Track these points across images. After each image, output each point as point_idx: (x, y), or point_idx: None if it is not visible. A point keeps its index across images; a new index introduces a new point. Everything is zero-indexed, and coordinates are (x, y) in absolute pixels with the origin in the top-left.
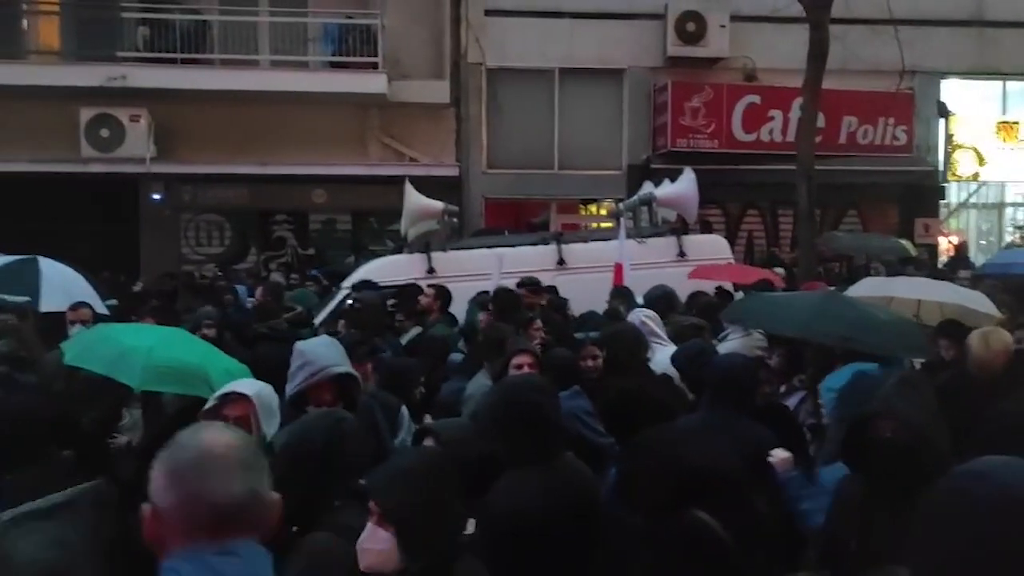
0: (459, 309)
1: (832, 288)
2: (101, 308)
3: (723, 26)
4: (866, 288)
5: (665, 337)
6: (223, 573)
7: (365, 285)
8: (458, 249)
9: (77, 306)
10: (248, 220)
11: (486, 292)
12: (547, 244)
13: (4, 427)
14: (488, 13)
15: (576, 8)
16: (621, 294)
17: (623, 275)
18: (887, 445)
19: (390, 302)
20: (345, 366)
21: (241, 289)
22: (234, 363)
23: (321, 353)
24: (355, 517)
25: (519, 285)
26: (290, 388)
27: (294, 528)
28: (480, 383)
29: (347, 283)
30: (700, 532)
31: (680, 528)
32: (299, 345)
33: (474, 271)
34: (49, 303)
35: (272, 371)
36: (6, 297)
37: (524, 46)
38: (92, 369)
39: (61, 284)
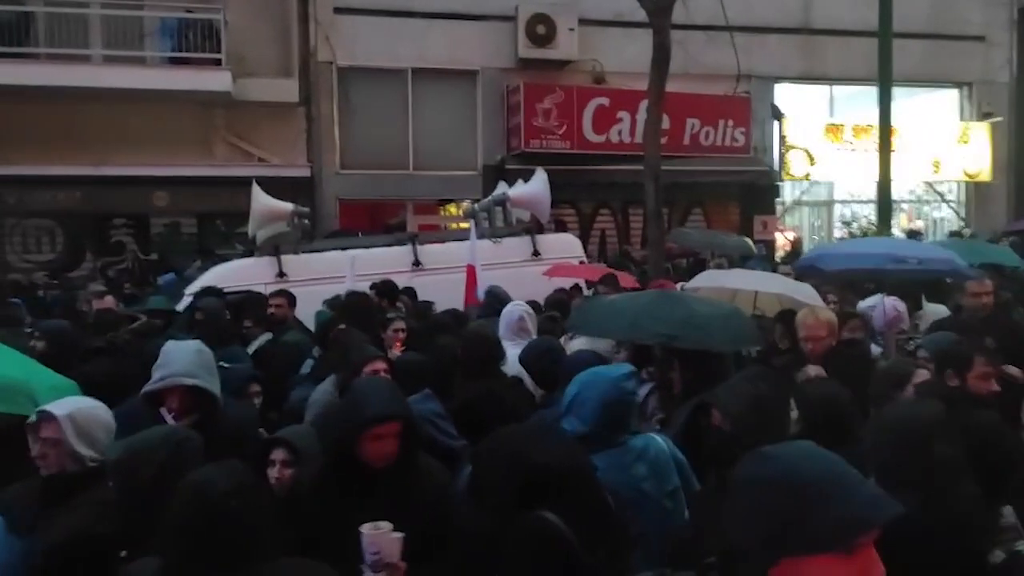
0: (311, 313)
1: (677, 285)
2: None
3: (572, 29)
4: (704, 280)
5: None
6: None
7: (208, 292)
8: (310, 252)
9: None
10: (83, 224)
11: (338, 296)
12: (402, 245)
13: None
14: (337, 11)
15: (427, 8)
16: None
17: (475, 276)
18: (714, 433)
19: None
20: (199, 379)
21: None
22: (62, 379)
23: (178, 360)
24: None
25: (373, 290)
26: (145, 387)
27: (123, 553)
28: (324, 390)
29: (191, 289)
30: (545, 531)
31: (526, 528)
32: (167, 344)
33: (327, 274)
34: None
35: (104, 387)
36: None
37: (376, 45)
38: None
39: None
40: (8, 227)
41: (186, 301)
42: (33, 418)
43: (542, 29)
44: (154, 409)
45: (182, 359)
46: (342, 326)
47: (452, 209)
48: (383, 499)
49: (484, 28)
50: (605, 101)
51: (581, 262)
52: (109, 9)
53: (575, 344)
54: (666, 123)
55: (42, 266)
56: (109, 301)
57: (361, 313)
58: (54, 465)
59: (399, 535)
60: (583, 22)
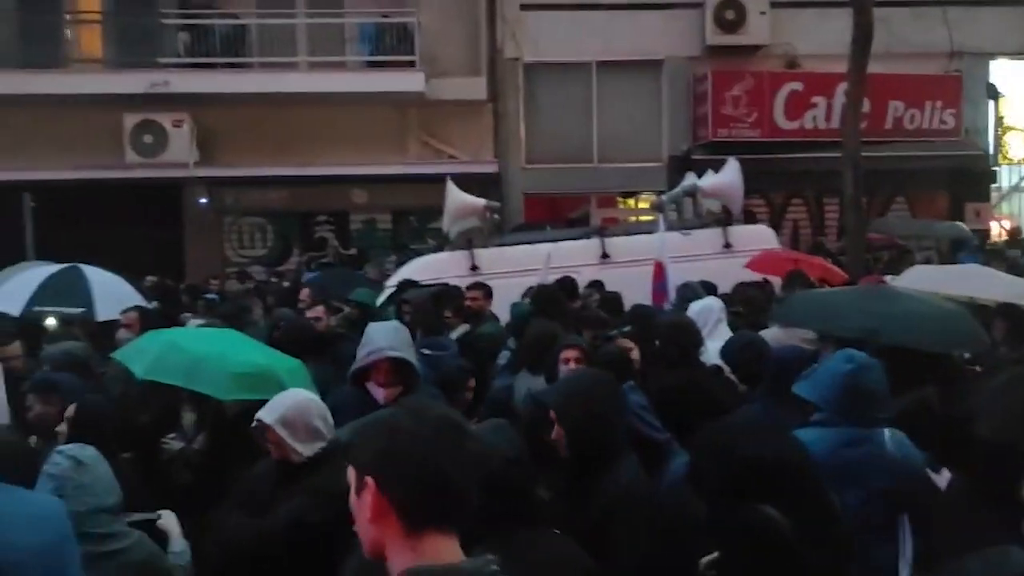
0: (503, 306)
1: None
2: None
3: (763, 13)
4: (911, 280)
5: (726, 328)
6: None
7: (408, 284)
8: (501, 246)
9: (126, 311)
10: (290, 222)
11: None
12: (589, 238)
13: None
14: (524, 8)
15: (612, 0)
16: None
17: (663, 270)
18: (985, 443)
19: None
20: (402, 351)
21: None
22: (294, 361)
23: (382, 335)
24: None
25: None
26: (354, 364)
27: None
28: (525, 382)
29: (390, 282)
30: (762, 525)
31: (743, 522)
32: (369, 326)
33: (518, 267)
34: (104, 312)
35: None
36: (63, 309)
37: (560, 40)
38: (171, 382)
39: (111, 291)
40: (227, 225)
41: (386, 293)
42: (255, 424)
43: (731, 15)
44: (362, 387)
45: (385, 335)
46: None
47: (632, 202)
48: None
49: (670, 17)
50: (799, 86)
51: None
52: (314, 18)
53: (767, 336)
54: (866, 106)
55: (255, 261)
56: (319, 310)
57: (554, 305)
58: (283, 455)
59: None
60: (774, 5)
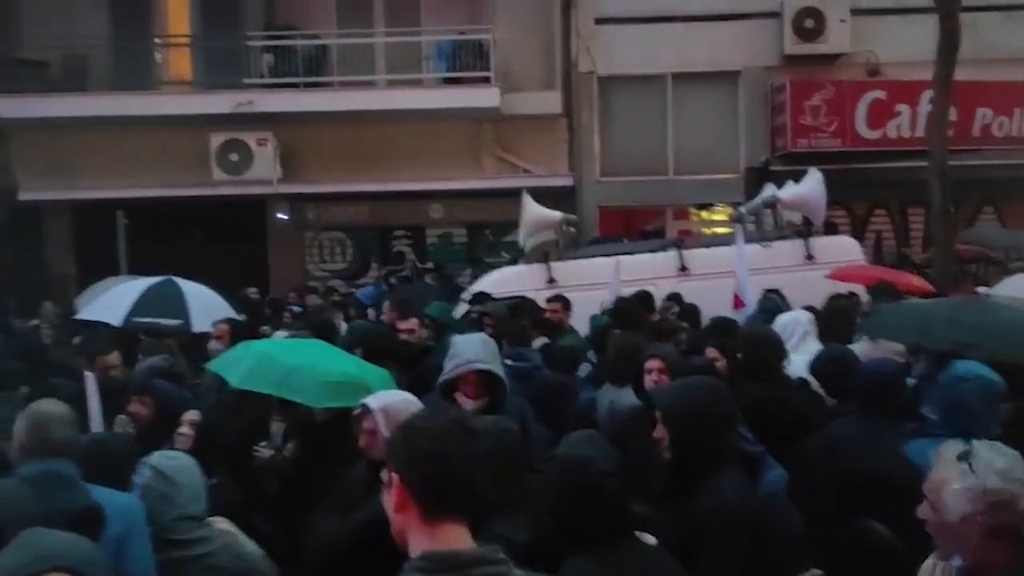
0: (579, 319)
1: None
2: None
3: (843, 21)
4: (1011, 288)
5: (816, 340)
6: None
7: (481, 297)
8: (577, 258)
9: (217, 323)
10: (368, 236)
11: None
12: (667, 251)
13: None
14: (598, 21)
15: (688, 11)
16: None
17: (741, 284)
18: None
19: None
20: (490, 364)
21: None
22: (382, 371)
23: (469, 347)
24: (512, 529)
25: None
26: (441, 376)
27: None
28: (608, 395)
29: (465, 295)
30: (869, 540)
31: (848, 536)
32: (455, 338)
33: (595, 280)
34: (199, 323)
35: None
36: (161, 321)
37: (635, 53)
38: (264, 391)
39: (204, 304)
40: (308, 239)
41: (461, 307)
42: (357, 409)
43: (810, 23)
44: (450, 399)
45: (472, 348)
46: (616, 331)
47: (705, 214)
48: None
49: (747, 27)
50: (881, 94)
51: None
52: (392, 37)
53: (856, 349)
54: (952, 114)
55: (335, 274)
56: (413, 323)
57: (634, 317)
58: (375, 452)
59: None
60: (855, 12)
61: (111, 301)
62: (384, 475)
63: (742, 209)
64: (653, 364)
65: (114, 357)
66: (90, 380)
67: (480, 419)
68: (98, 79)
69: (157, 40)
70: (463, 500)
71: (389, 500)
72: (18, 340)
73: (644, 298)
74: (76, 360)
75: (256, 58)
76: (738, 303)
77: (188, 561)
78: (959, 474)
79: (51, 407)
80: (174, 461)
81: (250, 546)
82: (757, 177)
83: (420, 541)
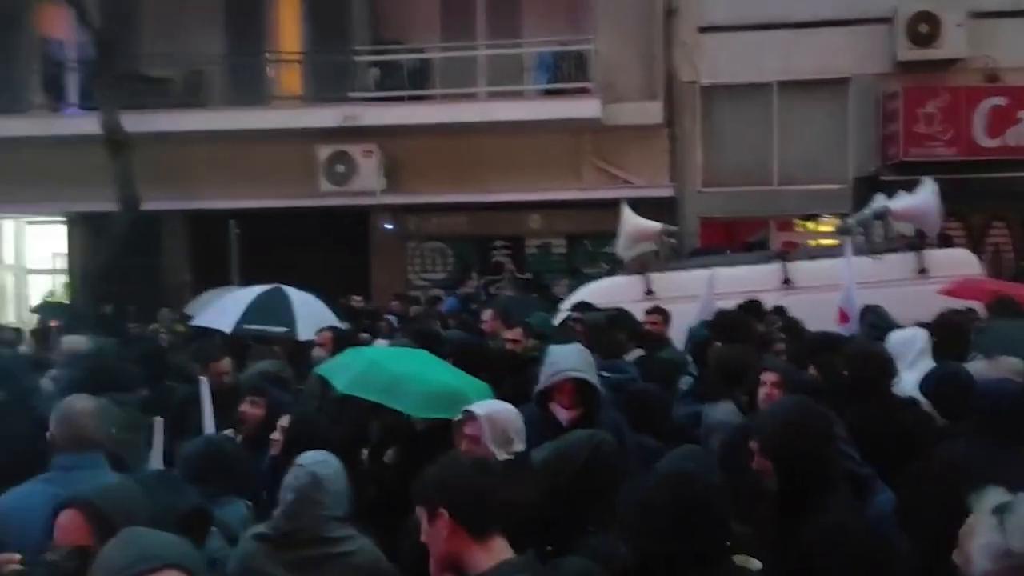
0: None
1: None
2: None
3: (959, 25)
4: None
5: (930, 359)
6: None
7: (585, 307)
8: (676, 270)
9: (320, 331)
10: (468, 246)
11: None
12: (771, 263)
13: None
14: (702, 30)
15: (794, 18)
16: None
17: (848, 298)
18: None
19: None
20: (586, 373)
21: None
22: (482, 384)
23: (564, 357)
24: (610, 543)
25: (742, 308)
26: (538, 385)
27: (548, 548)
28: (713, 409)
29: (565, 305)
30: None
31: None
32: (549, 348)
33: (694, 292)
34: (305, 332)
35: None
36: (268, 328)
37: (739, 62)
38: (366, 397)
39: (310, 312)
40: (409, 250)
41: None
42: (459, 416)
43: (924, 28)
44: (545, 409)
45: (568, 357)
46: (718, 343)
47: (811, 225)
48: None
49: (857, 33)
50: (1001, 101)
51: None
52: (493, 50)
53: (971, 368)
54: None
55: (435, 284)
56: (518, 332)
57: (736, 330)
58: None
59: None
60: (972, 15)
61: (223, 308)
62: (421, 514)
63: (850, 220)
64: (768, 377)
65: (225, 363)
66: (204, 385)
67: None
68: (215, 95)
69: (269, 56)
70: (504, 517)
71: (436, 533)
72: (137, 344)
73: (753, 307)
74: (191, 365)
75: (362, 72)
76: (844, 317)
77: (335, 558)
78: (988, 528)
79: (83, 402)
80: (325, 464)
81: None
82: (866, 187)
83: (480, 558)
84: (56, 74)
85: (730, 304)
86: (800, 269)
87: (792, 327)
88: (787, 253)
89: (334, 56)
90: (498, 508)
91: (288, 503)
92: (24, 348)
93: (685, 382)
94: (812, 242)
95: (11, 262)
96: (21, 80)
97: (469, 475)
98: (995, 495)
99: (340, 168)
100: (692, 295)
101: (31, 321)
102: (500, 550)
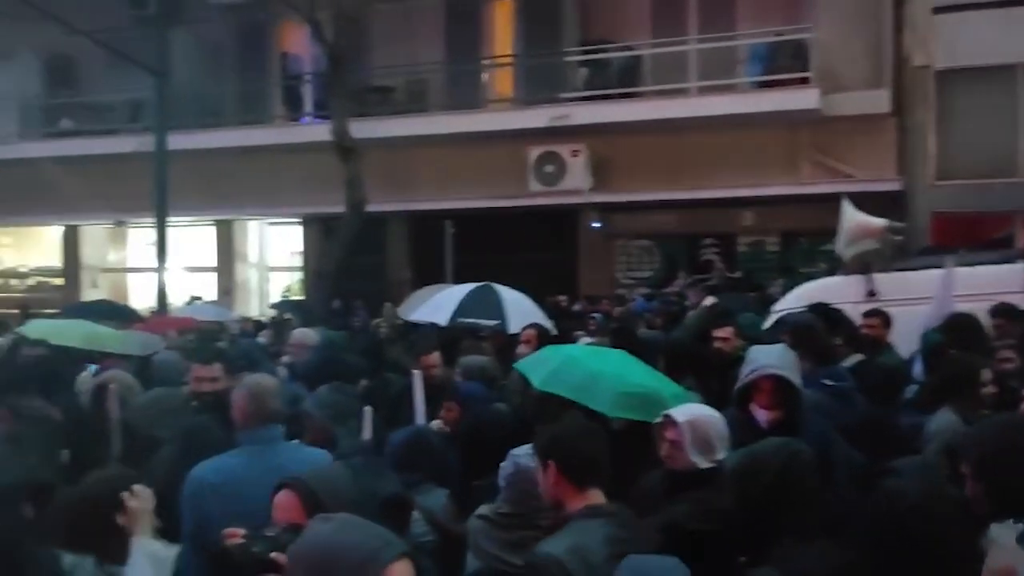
0: (906, 335)
1: None
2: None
3: None
4: None
5: None
6: None
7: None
8: (903, 270)
9: (525, 328)
10: (676, 244)
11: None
12: (1014, 263)
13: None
14: (937, 11)
15: None
16: None
17: None
18: None
19: None
20: (785, 371)
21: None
22: (680, 388)
23: (765, 354)
24: (810, 557)
25: (993, 313)
26: (739, 382)
27: (741, 558)
28: (946, 420)
29: (777, 307)
30: None
31: None
32: (752, 348)
33: (924, 294)
34: (515, 326)
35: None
36: (480, 321)
37: (979, 43)
38: (561, 393)
39: (520, 308)
40: (617, 248)
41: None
42: (659, 419)
43: None
44: (744, 410)
45: (770, 355)
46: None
47: None
48: None
49: None
50: None
51: None
52: (705, 43)
53: None
54: None
55: (642, 282)
56: (728, 331)
57: (971, 336)
58: (676, 463)
59: None
60: None
61: (438, 304)
62: (536, 462)
63: None
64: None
65: (435, 357)
66: (416, 377)
67: (768, 440)
68: (434, 100)
69: (484, 61)
70: (600, 472)
71: (546, 478)
72: (361, 337)
73: (1007, 311)
74: (405, 358)
75: (572, 72)
76: None
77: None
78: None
79: (266, 380)
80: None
81: None
82: None
83: (577, 502)
84: (294, 86)
85: (969, 308)
86: None
87: None
88: None
89: (544, 58)
90: (596, 465)
91: (504, 490)
92: (261, 338)
93: (912, 390)
94: None
95: (255, 260)
96: (264, 93)
97: (575, 436)
98: (1009, 529)
99: (549, 168)
100: (921, 296)
101: (271, 315)
102: (594, 499)
